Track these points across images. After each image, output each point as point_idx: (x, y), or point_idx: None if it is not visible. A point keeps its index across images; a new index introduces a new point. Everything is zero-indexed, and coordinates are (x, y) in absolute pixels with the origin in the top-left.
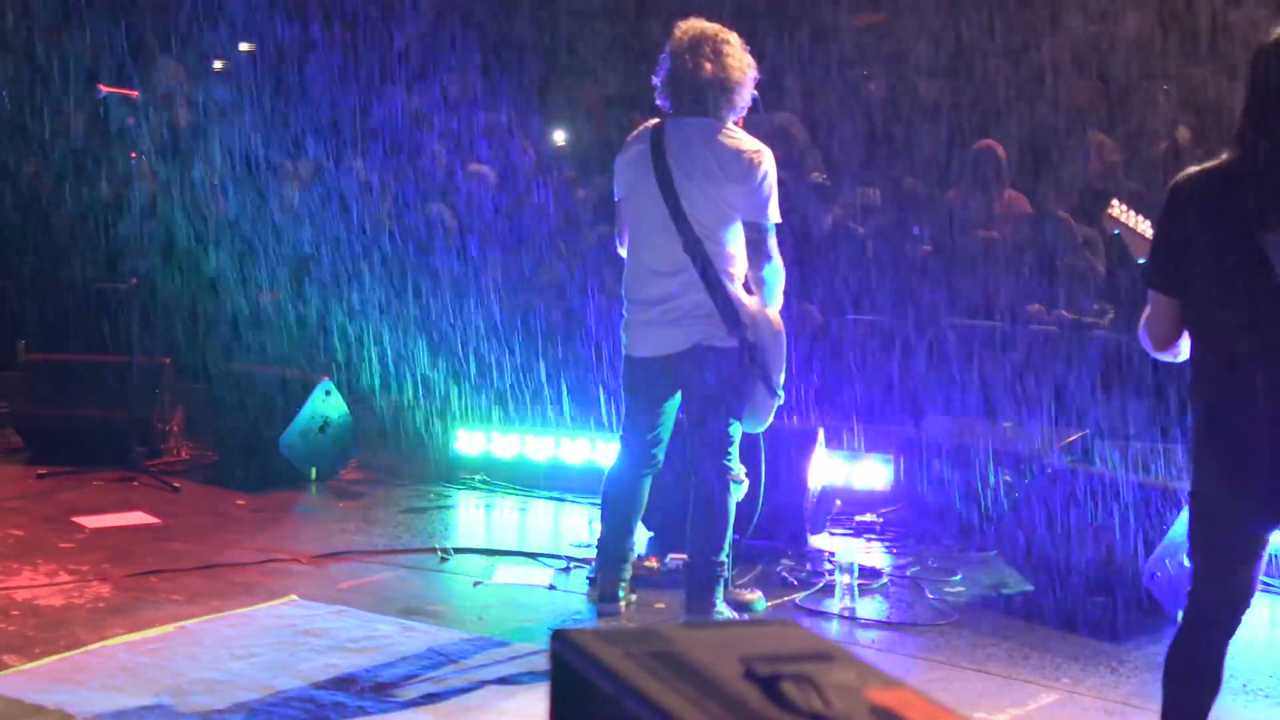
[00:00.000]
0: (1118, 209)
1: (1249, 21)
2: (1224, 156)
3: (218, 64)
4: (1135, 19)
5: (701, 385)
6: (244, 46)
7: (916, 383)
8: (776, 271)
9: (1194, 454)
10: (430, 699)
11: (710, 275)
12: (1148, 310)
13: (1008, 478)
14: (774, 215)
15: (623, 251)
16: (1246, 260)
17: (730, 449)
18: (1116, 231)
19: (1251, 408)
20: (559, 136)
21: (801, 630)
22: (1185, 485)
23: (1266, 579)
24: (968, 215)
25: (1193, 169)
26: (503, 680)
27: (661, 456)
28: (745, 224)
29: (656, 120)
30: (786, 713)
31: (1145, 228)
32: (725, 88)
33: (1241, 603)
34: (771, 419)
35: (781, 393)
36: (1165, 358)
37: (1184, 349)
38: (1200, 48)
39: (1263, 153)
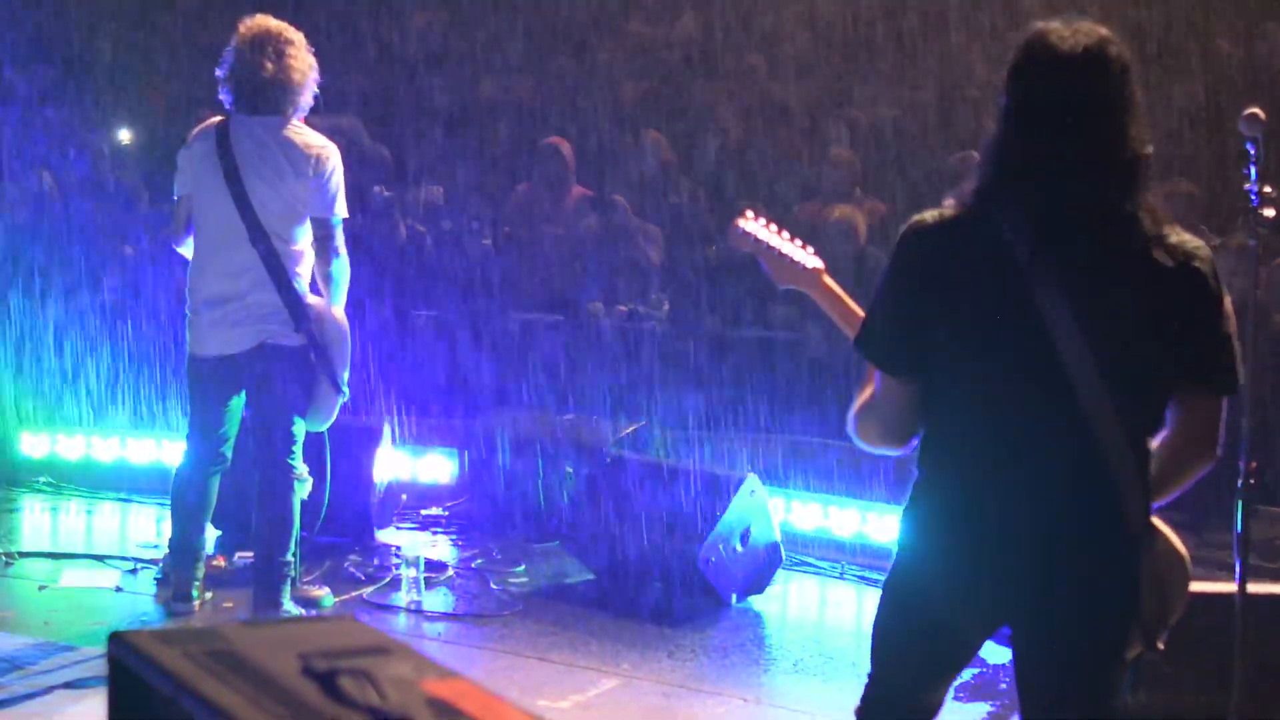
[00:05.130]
0: (749, 222)
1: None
2: (959, 201)
3: None
4: (690, 19)
5: (266, 384)
6: None
7: (482, 377)
8: (343, 267)
9: (917, 544)
10: None
11: (277, 274)
12: (871, 397)
13: (569, 469)
14: (341, 210)
15: (182, 250)
16: (1014, 320)
17: (294, 447)
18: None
19: (1014, 495)
20: (125, 135)
21: (360, 625)
22: (741, 475)
23: (812, 560)
24: (536, 210)
25: (927, 217)
26: (69, 685)
27: (229, 454)
28: (313, 220)
29: (220, 117)
30: (343, 707)
31: (782, 244)
32: (287, 87)
33: None
34: (335, 416)
35: (346, 390)
36: (889, 452)
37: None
38: (754, 45)
39: (1028, 182)
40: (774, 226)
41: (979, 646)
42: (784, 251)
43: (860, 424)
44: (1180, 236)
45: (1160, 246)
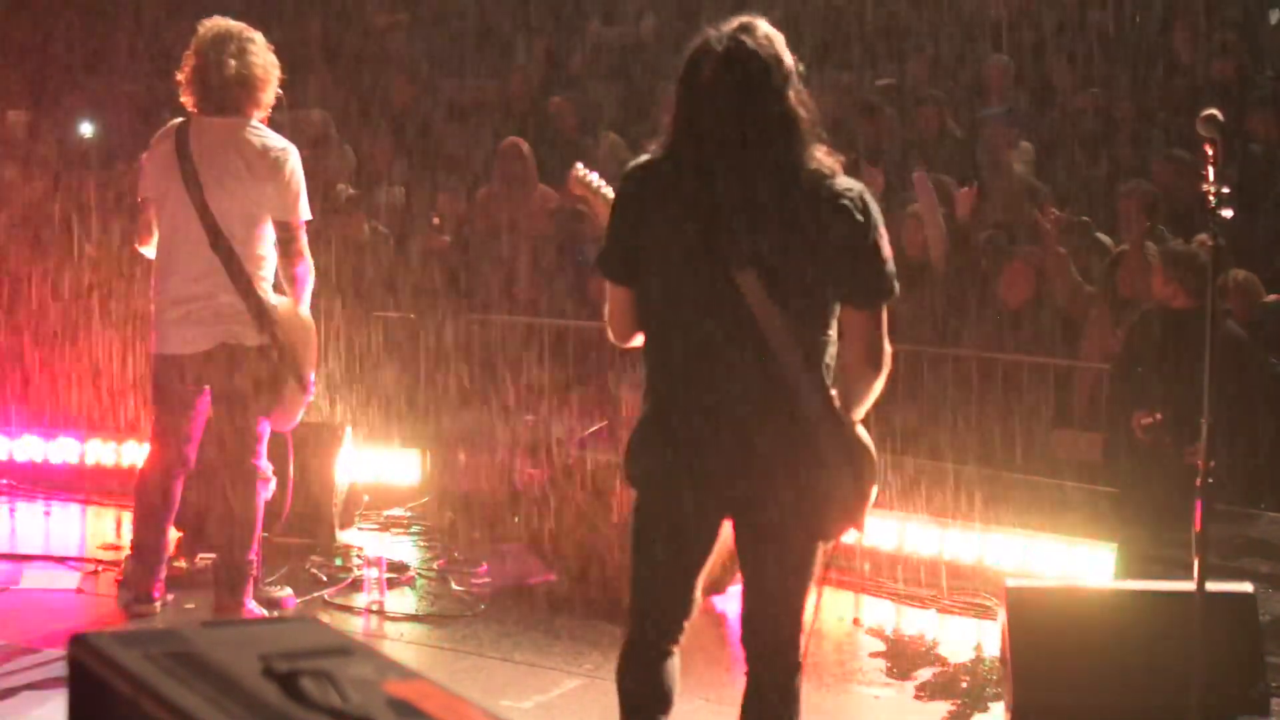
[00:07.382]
0: (581, 171)
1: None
2: (660, 147)
3: None
4: (651, 21)
5: (229, 384)
6: None
7: (444, 377)
8: (307, 269)
9: (641, 450)
10: None
11: (239, 276)
12: (608, 303)
13: (531, 470)
14: (303, 212)
15: (145, 251)
16: (700, 244)
17: (257, 447)
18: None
19: (707, 397)
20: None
21: (321, 626)
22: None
23: None
24: (498, 211)
25: (643, 159)
26: (30, 687)
27: (193, 455)
28: (275, 223)
29: (181, 119)
30: (305, 708)
31: (610, 194)
32: (248, 87)
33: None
34: (301, 416)
35: (313, 389)
36: (631, 344)
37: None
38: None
39: (702, 138)
40: (595, 175)
41: (711, 540)
42: (610, 197)
43: (609, 324)
44: (839, 180)
45: (819, 187)
